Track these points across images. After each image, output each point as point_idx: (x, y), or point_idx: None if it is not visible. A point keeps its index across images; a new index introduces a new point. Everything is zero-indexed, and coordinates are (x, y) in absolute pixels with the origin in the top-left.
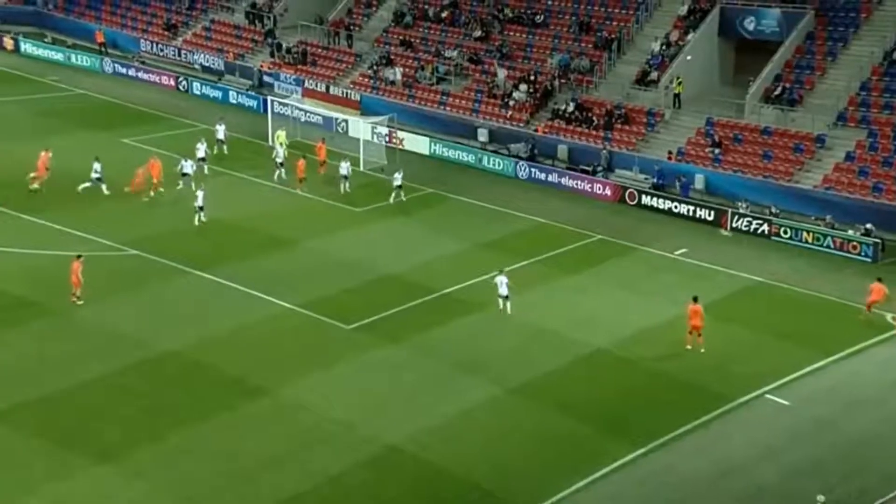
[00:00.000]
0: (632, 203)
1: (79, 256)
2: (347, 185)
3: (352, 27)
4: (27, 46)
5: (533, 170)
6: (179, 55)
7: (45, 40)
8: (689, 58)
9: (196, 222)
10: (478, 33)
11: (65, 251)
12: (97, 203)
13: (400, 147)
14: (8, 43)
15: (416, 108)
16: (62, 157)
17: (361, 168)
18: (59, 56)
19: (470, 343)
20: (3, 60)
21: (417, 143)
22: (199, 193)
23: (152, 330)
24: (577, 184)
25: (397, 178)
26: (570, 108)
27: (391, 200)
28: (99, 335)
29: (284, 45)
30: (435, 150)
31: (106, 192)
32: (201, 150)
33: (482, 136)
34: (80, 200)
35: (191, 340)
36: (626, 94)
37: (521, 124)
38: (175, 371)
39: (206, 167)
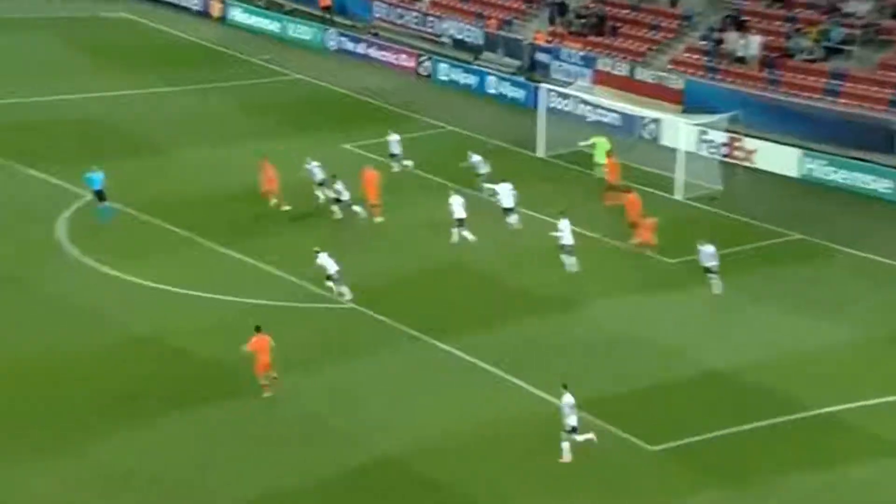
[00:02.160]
0: None
1: (257, 329)
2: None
3: None
4: (236, 13)
5: None
6: (424, 24)
7: (258, 3)
8: None
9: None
10: None
11: (259, 298)
12: (307, 231)
13: (746, 164)
14: (215, 7)
15: (781, 100)
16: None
17: (680, 197)
18: (273, 26)
19: None
20: (205, 32)
21: (779, 157)
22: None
23: (360, 423)
24: None
25: (710, 258)
26: None
27: (714, 290)
28: (287, 424)
29: (571, 7)
30: (811, 169)
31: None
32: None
33: None
34: (284, 228)
35: (413, 442)
36: None
37: None
38: (389, 488)
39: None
